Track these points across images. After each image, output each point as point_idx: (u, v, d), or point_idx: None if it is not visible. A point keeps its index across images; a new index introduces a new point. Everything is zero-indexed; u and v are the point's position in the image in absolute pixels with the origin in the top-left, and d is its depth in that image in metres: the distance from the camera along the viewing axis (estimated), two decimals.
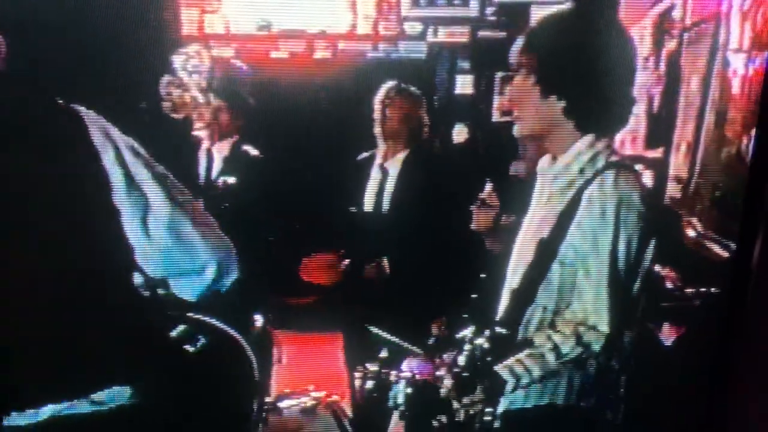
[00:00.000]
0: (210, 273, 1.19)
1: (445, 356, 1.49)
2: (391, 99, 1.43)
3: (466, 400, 1.44)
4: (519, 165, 1.45)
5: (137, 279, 1.16)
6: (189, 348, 1.27)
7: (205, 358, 1.28)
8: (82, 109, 1.08)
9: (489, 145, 1.45)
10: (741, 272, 1.42)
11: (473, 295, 1.49)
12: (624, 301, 1.36)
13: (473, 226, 1.48)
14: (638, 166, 1.38)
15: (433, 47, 1.34)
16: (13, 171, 1.02)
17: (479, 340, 1.44)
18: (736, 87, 1.38)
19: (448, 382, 1.46)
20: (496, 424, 1.46)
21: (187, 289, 1.21)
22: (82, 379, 1.10)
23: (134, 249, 1.11)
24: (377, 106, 1.43)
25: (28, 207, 1.04)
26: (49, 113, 1.06)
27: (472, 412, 1.46)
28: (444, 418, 1.49)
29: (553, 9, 1.28)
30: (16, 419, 1.06)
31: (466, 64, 1.33)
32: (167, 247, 1.14)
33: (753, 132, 1.36)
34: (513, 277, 1.43)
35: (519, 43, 1.29)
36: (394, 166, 1.56)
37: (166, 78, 1.24)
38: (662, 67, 1.36)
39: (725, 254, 1.43)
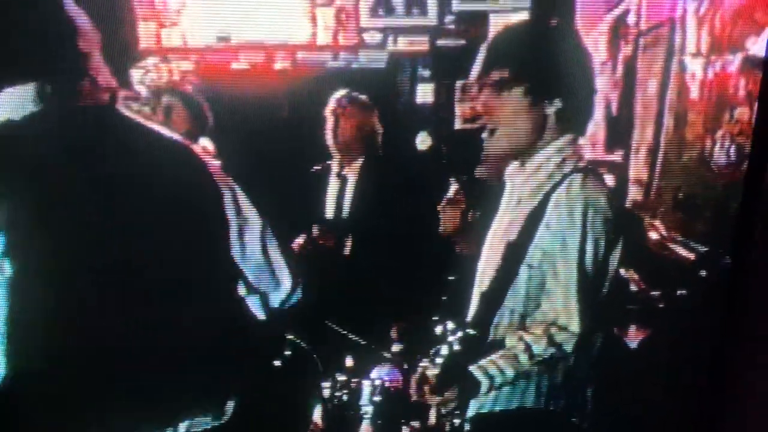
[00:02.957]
0: (283, 292, 1.28)
1: (415, 361, 1.49)
2: (342, 108, 1.41)
3: (440, 400, 1.45)
4: (484, 169, 1.46)
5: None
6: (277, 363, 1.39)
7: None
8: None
9: (453, 151, 1.45)
10: (737, 270, 1.44)
11: (443, 298, 1.50)
12: (595, 301, 1.37)
13: (441, 226, 1.49)
14: (603, 170, 1.40)
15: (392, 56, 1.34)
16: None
17: (452, 341, 1.45)
18: (694, 91, 1.40)
19: (422, 382, 1.47)
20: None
21: (264, 304, 1.29)
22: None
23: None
24: (329, 116, 1.42)
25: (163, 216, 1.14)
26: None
27: (444, 412, 1.47)
28: (415, 424, 1.50)
29: (513, 18, 1.29)
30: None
31: (426, 72, 1.33)
32: (257, 263, 1.23)
33: (720, 132, 1.38)
34: (482, 279, 1.44)
35: (486, 55, 1.30)
36: (353, 174, 1.55)
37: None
38: (619, 71, 1.38)
39: (720, 254, 1.45)
